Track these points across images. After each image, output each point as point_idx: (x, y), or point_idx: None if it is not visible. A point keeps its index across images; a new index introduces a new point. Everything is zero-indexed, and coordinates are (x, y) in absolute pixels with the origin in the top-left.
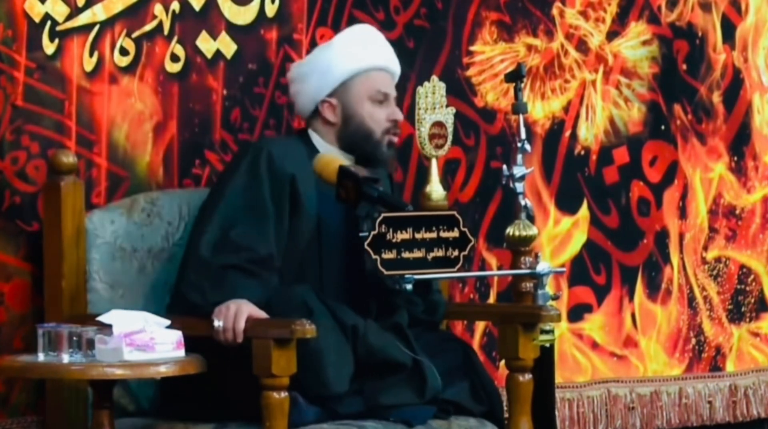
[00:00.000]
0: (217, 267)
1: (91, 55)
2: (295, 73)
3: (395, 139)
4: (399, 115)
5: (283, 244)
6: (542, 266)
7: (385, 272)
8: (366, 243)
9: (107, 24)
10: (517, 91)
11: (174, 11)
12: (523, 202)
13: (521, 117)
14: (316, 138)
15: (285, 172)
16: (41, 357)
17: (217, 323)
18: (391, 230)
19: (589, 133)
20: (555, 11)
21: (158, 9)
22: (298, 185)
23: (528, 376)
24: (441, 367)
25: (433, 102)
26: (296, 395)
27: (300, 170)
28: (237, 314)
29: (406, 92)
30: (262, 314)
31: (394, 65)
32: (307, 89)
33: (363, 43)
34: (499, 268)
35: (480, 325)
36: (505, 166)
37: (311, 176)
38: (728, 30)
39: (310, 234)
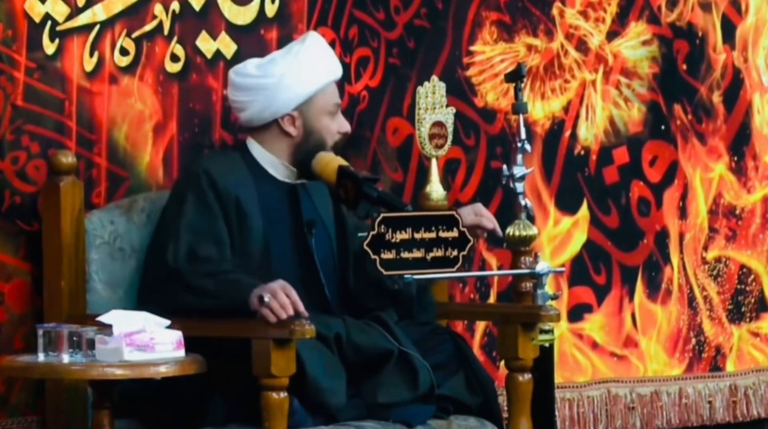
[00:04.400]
0: (211, 272)
1: (91, 55)
2: (247, 83)
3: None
4: (347, 127)
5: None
6: (542, 266)
7: (384, 272)
8: (365, 243)
9: (107, 24)
10: (517, 91)
11: (174, 11)
12: (523, 202)
13: (521, 117)
14: (257, 149)
15: (229, 195)
16: (41, 357)
17: (267, 297)
18: (390, 230)
19: (589, 133)
20: (555, 11)
21: (158, 9)
22: (242, 206)
23: (528, 376)
24: (434, 362)
25: (433, 102)
26: (294, 400)
27: (243, 190)
28: (284, 288)
29: (406, 92)
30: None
31: (341, 72)
32: (266, 102)
33: (323, 58)
34: (499, 268)
35: (480, 325)
36: (505, 166)
37: (254, 193)
38: (728, 30)
39: (260, 252)
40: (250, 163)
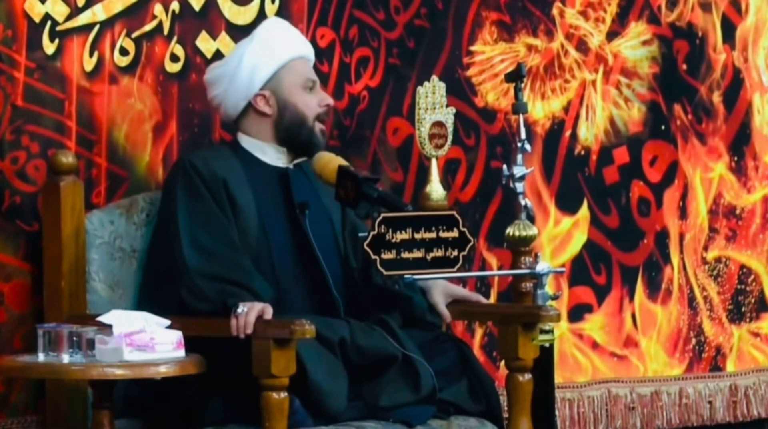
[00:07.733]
0: (217, 275)
1: (91, 55)
2: (216, 74)
3: (324, 127)
4: (330, 100)
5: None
6: (542, 266)
7: (385, 272)
8: (365, 243)
9: (107, 24)
10: (517, 91)
11: (174, 11)
12: (523, 202)
13: (521, 117)
14: (246, 140)
15: (216, 179)
16: (41, 357)
17: (241, 308)
18: (390, 230)
19: (589, 133)
20: (555, 11)
21: (158, 9)
22: (230, 188)
23: (528, 376)
24: (437, 368)
25: (433, 102)
26: (295, 400)
27: (230, 173)
28: (263, 310)
29: (406, 92)
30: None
31: (311, 52)
32: (236, 87)
33: (283, 35)
34: (500, 268)
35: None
36: (505, 166)
37: (243, 177)
38: (728, 30)
39: (257, 236)
40: (241, 153)
